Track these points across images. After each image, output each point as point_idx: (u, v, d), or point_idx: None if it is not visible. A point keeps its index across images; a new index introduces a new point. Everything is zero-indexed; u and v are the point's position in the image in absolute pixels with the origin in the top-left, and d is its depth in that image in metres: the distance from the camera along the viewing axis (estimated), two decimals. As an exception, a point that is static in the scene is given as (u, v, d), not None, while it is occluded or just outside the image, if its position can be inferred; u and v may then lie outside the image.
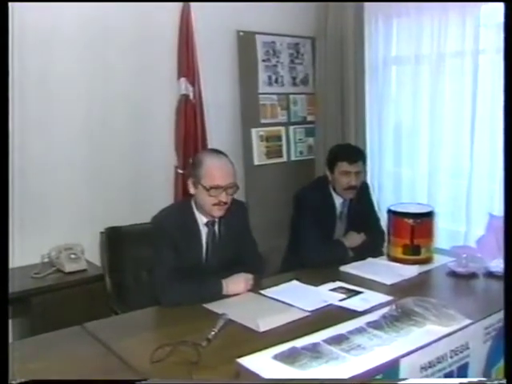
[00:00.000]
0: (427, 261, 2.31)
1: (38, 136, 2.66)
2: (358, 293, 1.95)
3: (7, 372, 1.19)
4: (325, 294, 1.94)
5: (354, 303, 1.84)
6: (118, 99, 2.91)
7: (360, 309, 1.79)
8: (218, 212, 1.95)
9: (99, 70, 2.83)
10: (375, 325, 1.64)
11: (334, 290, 1.98)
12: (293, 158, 3.69)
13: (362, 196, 2.59)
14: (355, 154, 2.50)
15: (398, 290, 1.96)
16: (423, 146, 3.26)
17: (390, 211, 2.40)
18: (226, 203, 1.93)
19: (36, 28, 2.59)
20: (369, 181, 3.16)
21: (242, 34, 3.37)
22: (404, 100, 3.34)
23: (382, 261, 2.37)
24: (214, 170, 1.90)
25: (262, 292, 1.97)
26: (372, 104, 3.47)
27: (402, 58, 3.32)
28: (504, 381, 1.27)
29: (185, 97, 3.04)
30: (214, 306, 1.82)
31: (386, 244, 2.51)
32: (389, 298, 1.88)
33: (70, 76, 2.74)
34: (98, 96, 2.84)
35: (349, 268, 2.25)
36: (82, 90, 2.78)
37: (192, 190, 1.97)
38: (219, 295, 1.90)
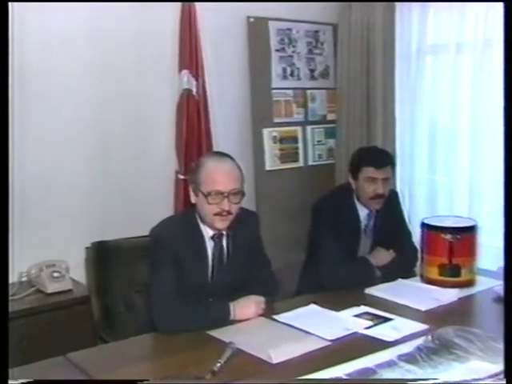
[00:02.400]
0: (469, 283, 2.29)
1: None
2: (387, 320, 1.93)
3: (7, 372, 1.27)
4: (348, 321, 1.93)
5: (382, 332, 1.83)
6: (112, 96, 2.94)
7: (390, 338, 1.77)
8: (220, 223, 1.94)
9: (93, 63, 2.86)
10: (408, 358, 1.62)
11: (358, 315, 1.98)
12: (310, 162, 3.69)
13: (390, 207, 2.58)
14: (383, 158, 2.50)
15: (435, 318, 1.94)
16: (463, 149, 3.24)
17: (423, 225, 2.39)
18: (229, 212, 1.93)
19: (35, 21, 2.65)
20: (398, 189, 3.14)
21: (252, 20, 3.39)
22: (441, 96, 3.32)
23: (414, 283, 2.36)
24: (215, 174, 1.91)
25: (276, 317, 1.96)
26: (403, 100, 3.47)
27: (440, 47, 3.30)
28: (504, 381, 1.31)
29: (187, 92, 3.05)
30: (220, 333, 1.82)
31: (418, 263, 2.50)
32: (423, 326, 1.87)
33: (68, 74, 2.78)
34: (91, 94, 2.87)
35: (376, 290, 2.24)
36: (76, 86, 2.83)
37: (193, 199, 1.98)
38: (226, 320, 1.90)
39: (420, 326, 1.87)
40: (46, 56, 2.72)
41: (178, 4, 3.05)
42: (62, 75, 2.77)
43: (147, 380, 1.33)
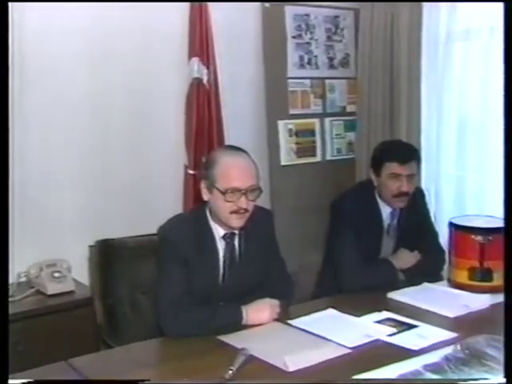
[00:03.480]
0: (501, 289, 2.25)
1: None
2: (412, 327, 1.92)
3: (7, 372, 1.33)
4: (369, 327, 1.92)
5: (406, 340, 1.81)
6: (116, 86, 2.94)
7: (415, 347, 1.76)
8: (237, 221, 1.95)
9: (96, 51, 2.87)
10: (435, 368, 1.60)
11: (380, 322, 1.97)
12: (328, 157, 3.69)
13: (415, 205, 2.56)
14: (407, 153, 2.48)
15: (464, 326, 1.93)
16: (494, 143, 3.20)
17: (451, 225, 2.37)
18: (246, 210, 1.93)
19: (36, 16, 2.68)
20: (424, 186, 3.12)
21: (267, 5, 3.38)
22: (471, 85, 3.28)
23: (441, 287, 2.34)
24: (232, 170, 1.91)
25: (291, 322, 1.96)
26: (430, 91, 3.44)
27: (471, 32, 3.25)
28: (504, 381, 1.35)
29: (197, 81, 3.06)
30: (232, 339, 1.82)
31: (446, 266, 2.48)
32: (452, 334, 1.85)
33: (69, 66, 2.80)
34: (93, 83, 2.88)
35: (399, 295, 2.23)
36: (78, 77, 2.84)
37: (206, 196, 1.98)
38: (238, 325, 1.90)
39: (448, 334, 1.85)
40: (46, 47, 2.73)
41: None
42: (62, 66, 2.78)
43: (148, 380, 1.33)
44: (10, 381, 1.37)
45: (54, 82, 2.77)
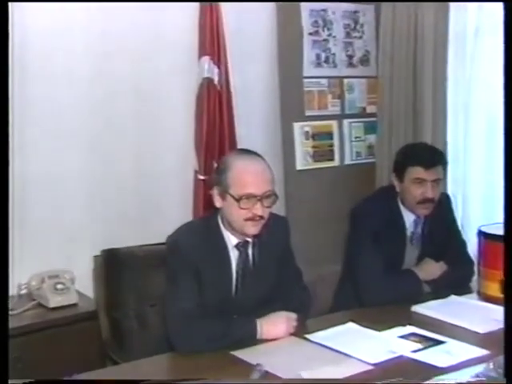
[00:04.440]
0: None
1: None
2: (439, 342, 1.91)
3: (7, 372, 1.37)
4: (392, 343, 1.92)
5: (433, 356, 1.81)
6: (124, 85, 2.96)
7: (442, 364, 1.75)
8: (252, 229, 1.95)
9: (101, 49, 2.89)
10: (465, 387, 1.60)
11: (404, 337, 1.96)
12: (347, 161, 3.70)
13: (441, 212, 2.55)
14: (432, 157, 2.47)
15: (496, 342, 1.86)
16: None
17: (481, 233, 2.37)
18: (262, 217, 1.94)
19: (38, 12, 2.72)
20: (450, 192, 3.10)
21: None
22: (502, 84, 3.26)
23: (470, 300, 2.33)
24: (246, 175, 1.92)
25: (308, 337, 1.96)
26: (456, 89, 3.43)
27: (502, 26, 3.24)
28: (504, 381, 1.39)
29: (208, 81, 3.07)
30: (246, 354, 1.82)
31: (475, 278, 2.48)
32: (482, 351, 1.84)
33: (72, 64, 2.83)
34: (97, 83, 2.90)
35: (424, 308, 2.22)
36: (81, 76, 2.87)
37: (218, 203, 1.99)
38: (252, 339, 1.90)
39: (478, 351, 1.84)
40: (49, 43, 2.76)
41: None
42: (65, 64, 2.81)
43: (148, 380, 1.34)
44: (10, 381, 1.43)
45: (56, 84, 2.80)
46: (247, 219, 1.93)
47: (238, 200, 1.91)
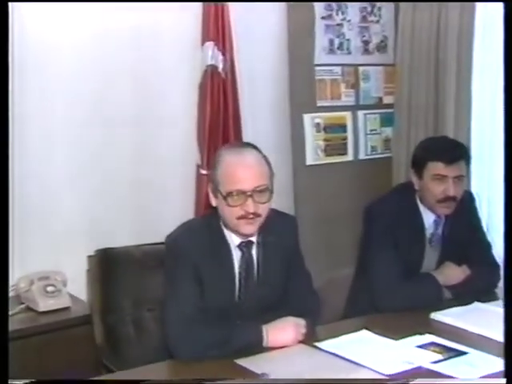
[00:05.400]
0: None
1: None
2: (461, 353, 1.91)
3: (7, 372, 1.44)
4: (410, 352, 1.92)
5: (454, 368, 1.80)
6: (119, 73, 2.96)
7: (465, 377, 1.75)
8: (247, 227, 1.95)
9: (98, 36, 2.90)
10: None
11: (422, 346, 1.96)
12: (362, 155, 3.70)
13: (463, 212, 2.54)
14: (454, 151, 2.46)
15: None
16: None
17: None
18: (256, 214, 1.93)
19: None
20: (474, 190, 3.09)
21: (292, -20, 3.40)
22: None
23: (495, 308, 2.29)
24: (234, 170, 1.92)
25: (319, 345, 1.96)
26: (482, 78, 3.42)
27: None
28: (504, 381, 1.43)
29: (211, 68, 3.07)
30: (251, 363, 1.82)
31: (501, 283, 2.45)
32: (507, 363, 1.83)
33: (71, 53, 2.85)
34: (94, 72, 2.91)
35: (444, 316, 2.22)
36: (78, 65, 2.88)
37: (214, 201, 2.01)
38: (257, 347, 1.90)
39: (503, 364, 1.83)
40: (47, 39, 2.78)
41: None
42: (64, 59, 2.84)
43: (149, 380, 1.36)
44: (10, 381, 1.49)
45: (55, 73, 2.82)
46: (239, 217, 1.93)
47: (226, 197, 1.91)
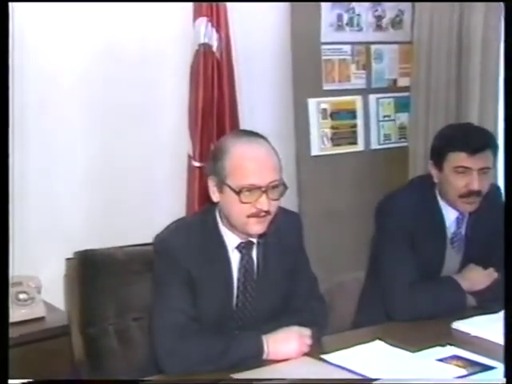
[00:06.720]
0: None
1: None
2: (488, 368, 1.91)
3: (7, 372, 1.55)
4: (429, 366, 1.92)
5: (481, 384, 1.82)
6: (106, 54, 2.97)
7: (491, 394, 1.77)
8: (257, 227, 1.96)
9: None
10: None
11: (444, 360, 1.96)
12: (374, 145, 3.72)
13: (489, 208, 2.53)
14: (479, 140, 2.46)
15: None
16: None
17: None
18: (268, 213, 1.94)
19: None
20: (501, 184, 3.10)
21: None
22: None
23: (524, 316, 2.32)
24: (247, 162, 1.92)
25: (326, 357, 1.96)
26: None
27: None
28: (504, 380, 1.52)
29: (204, 47, 3.07)
30: (250, 377, 1.82)
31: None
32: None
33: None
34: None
35: (469, 326, 2.22)
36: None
37: (215, 196, 2.00)
38: (258, 359, 1.91)
39: (534, 379, 1.84)
40: (45, 40, 2.83)
41: None
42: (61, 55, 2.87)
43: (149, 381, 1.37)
44: (9, 381, 1.59)
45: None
46: (250, 215, 1.93)
47: (238, 193, 1.91)
